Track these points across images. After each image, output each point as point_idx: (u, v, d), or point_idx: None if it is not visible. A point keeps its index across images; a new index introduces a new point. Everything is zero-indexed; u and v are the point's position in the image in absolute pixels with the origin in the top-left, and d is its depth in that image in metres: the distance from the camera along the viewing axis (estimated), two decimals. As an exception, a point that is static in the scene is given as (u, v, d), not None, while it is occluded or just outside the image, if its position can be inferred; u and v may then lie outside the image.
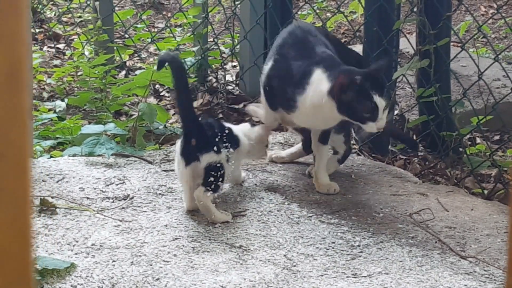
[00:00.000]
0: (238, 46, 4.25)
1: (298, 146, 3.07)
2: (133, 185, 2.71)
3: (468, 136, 3.54)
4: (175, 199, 2.63)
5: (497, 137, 3.84)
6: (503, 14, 4.23)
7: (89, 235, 2.36)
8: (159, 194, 2.66)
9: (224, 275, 2.16)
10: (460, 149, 3.32)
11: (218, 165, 2.48)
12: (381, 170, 3.11)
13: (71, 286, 2.08)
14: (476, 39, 5.20)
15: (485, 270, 2.29)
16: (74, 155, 3.01)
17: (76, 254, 2.25)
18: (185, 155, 2.47)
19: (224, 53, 4.57)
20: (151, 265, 2.20)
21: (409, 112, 3.80)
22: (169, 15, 5.78)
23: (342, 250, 2.36)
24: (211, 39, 4.75)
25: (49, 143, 3.29)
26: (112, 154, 2.94)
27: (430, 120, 3.35)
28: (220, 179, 2.49)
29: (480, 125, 3.25)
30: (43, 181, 2.71)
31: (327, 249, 2.36)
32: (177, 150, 2.51)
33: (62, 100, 3.99)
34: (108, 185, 2.71)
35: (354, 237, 2.45)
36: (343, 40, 5.10)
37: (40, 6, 5.56)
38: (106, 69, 3.82)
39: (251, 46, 4.04)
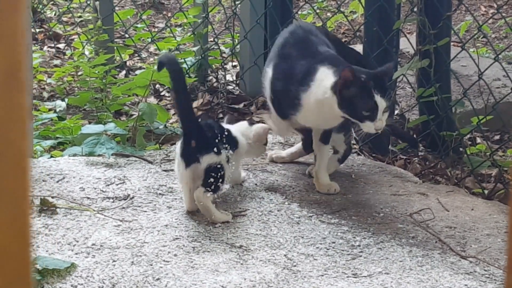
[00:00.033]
0: (238, 46, 4.25)
1: (298, 146, 3.06)
2: (134, 185, 2.71)
3: (468, 136, 3.54)
4: (175, 199, 2.62)
5: (497, 137, 3.84)
6: (503, 14, 4.23)
7: (89, 235, 2.36)
8: (160, 194, 2.66)
9: (224, 275, 2.16)
10: (461, 149, 3.32)
11: (219, 166, 2.48)
12: (381, 170, 3.11)
13: (72, 286, 2.08)
14: (476, 39, 5.20)
15: (485, 270, 2.29)
16: (75, 155, 3.01)
17: (76, 254, 2.24)
18: (185, 157, 2.47)
19: (224, 53, 4.57)
20: (151, 265, 2.20)
21: (410, 112, 3.80)
22: (169, 15, 5.78)
23: (343, 250, 2.36)
24: (211, 39, 4.76)
25: (49, 143, 3.29)
26: (112, 154, 2.94)
27: (430, 120, 3.35)
28: (220, 180, 2.48)
29: (480, 125, 3.25)
30: (43, 181, 2.71)
31: (328, 249, 2.36)
32: (177, 152, 2.51)
33: (62, 100, 3.99)
34: (108, 185, 2.70)
35: (354, 237, 2.45)
36: (343, 40, 5.10)
37: (40, 6, 5.56)
38: (106, 69, 3.82)
39: (251, 46, 4.04)
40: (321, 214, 2.60)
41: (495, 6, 4.02)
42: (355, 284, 2.15)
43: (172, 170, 2.74)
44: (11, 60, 0.69)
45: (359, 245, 2.40)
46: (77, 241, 2.32)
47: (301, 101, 2.63)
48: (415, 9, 3.38)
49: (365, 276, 2.21)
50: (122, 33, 5.26)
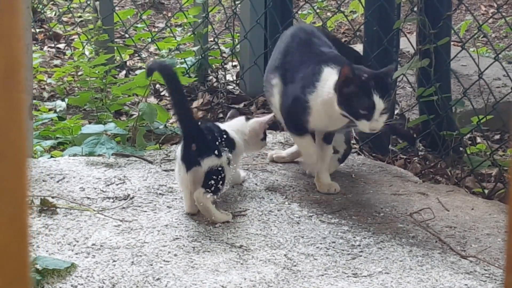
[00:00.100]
0: (238, 46, 4.25)
1: (298, 146, 3.06)
2: (134, 185, 2.71)
3: (468, 135, 3.54)
4: (176, 199, 2.62)
5: (497, 137, 3.84)
6: (503, 14, 4.23)
7: (89, 235, 2.36)
8: (160, 194, 2.66)
9: (224, 275, 2.16)
10: (461, 149, 3.32)
11: (219, 168, 2.47)
12: (382, 169, 3.11)
13: (72, 286, 2.08)
14: (477, 38, 5.20)
15: (485, 270, 2.29)
16: (75, 155, 3.01)
17: (76, 254, 2.24)
18: (185, 161, 2.46)
19: (224, 52, 4.57)
20: (151, 265, 2.20)
21: (410, 111, 3.80)
22: (169, 14, 5.78)
23: (343, 250, 2.36)
24: (212, 39, 4.76)
25: (49, 143, 3.29)
26: (112, 154, 2.94)
27: (431, 120, 3.35)
28: (221, 182, 2.48)
29: (481, 125, 3.25)
30: (43, 181, 2.71)
31: (328, 249, 2.36)
32: (178, 156, 2.50)
33: (63, 100, 3.99)
34: (108, 185, 2.70)
35: (354, 237, 2.45)
36: (343, 40, 5.10)
37: (40, 6, 5.56)
38: (106, 69, 3.82)
39: (251, 45, 4.04)
40: (321, 214, 2.60)
41: (495, 5, 4.02)
42: (355, 284, 2.15)
43: (173, 170, 2.74)
44: (10, 60, 0.69)
45: (359, 245, 2.40)
46: (77, 241, 2.32)
47: (309, 103, 2.62)
48: (415, 9, 3.38)
49: (365, 276, 2.21)
50: (122, 33, 5.26)
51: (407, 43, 3.82)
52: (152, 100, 4.09)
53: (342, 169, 3.02)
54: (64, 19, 5.59)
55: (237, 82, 4.26)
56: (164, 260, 2.23)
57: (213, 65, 4.38)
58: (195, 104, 4.04)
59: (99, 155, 2.95)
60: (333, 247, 2.37)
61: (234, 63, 4.61)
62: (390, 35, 3.42)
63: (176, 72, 2.57)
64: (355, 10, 5.79)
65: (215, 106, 3.98)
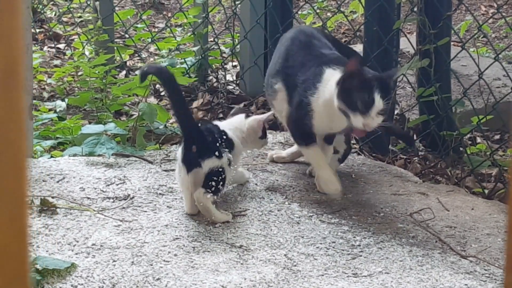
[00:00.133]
0: (238, 46, 4.25)
1: (298, 146, 3.06)
2: (134, 185, 2.71)
3: (468, 135, 3.54)
4: (176, 199, 2.62)
5: (497, 137, 3.84)
6: (503, 14, 4.23)
7: (89, 235, 2.36)
8: (160, 194, 2.66)
9: (224, 275, 2.16)
10: (461, 149, 3.32)
11: (220, 169, 2.47)
12: (382, 169, 3.11)
13: (72, 286, 2.08)
14: (477, 38, 5.20)
15: (485, 270, 2.29)
16: (75, 155, 3.01)
17: (76, 254, 2.24)
18: (186, 162, 2.46)
19: (224, 53, 4.57)
20: (151, 265, 2.20)
21: (410, 111, 3.80)
22: (169, 15, 5.78)
23: (343, 250, 2.36)
24: (212, 39, 4.76)
25: (49, 143, 3.29)
26: (112, 154, 2.94)
27: (431, 120, 3.35)
28: (221, 183, 2.48)
29: (481, 125, 3.25)
30: (43, 181, 2.71)
31: (328, 249, 2.36)
32: (178, 158, 2.50)
33: (63, 100, 3.99)
34: (108, 185, 2.70)
35: (354, 237, 2.45)
36: (343, 40, 5.10)
37: (40, 6, 5.57)
38: (106, 69, 3.82)
39: (251, 46, 4.04)
40: (321, 214, 2.60)
41: (495, 5, 4.02)
42: (355, 284, 2.15)
43: (173, 170, 2.74)
44: (10, 60, 0.69)
45: (359, 245, 2.40)
46: (77, 241, 2.32)
47: (311, 105, 2.61)
48: (415, 9, 3.38)
49: (365, 276, 2.21)
50: (122, 33, 5.26)
51: (407, 43, 3.82)
52: (152, 100, 4.09)
53: (342, 169, 3.02)
54: (64, 19, 5.59)
55: (237, 82, 4.26)
56: (164, 260, 2.23)
57: (213, 65, 4.38)
58: (195, 104, 4.05)
59: (99, 155, 2.95)
60: (333, 247, 2.37)
61: (234, 63, 4.61)
62: (390, 35, 3.42)
63: (174, 75, 2.56)
64: (355, 10, 5.80)
65: (215, 106, 3.99)
